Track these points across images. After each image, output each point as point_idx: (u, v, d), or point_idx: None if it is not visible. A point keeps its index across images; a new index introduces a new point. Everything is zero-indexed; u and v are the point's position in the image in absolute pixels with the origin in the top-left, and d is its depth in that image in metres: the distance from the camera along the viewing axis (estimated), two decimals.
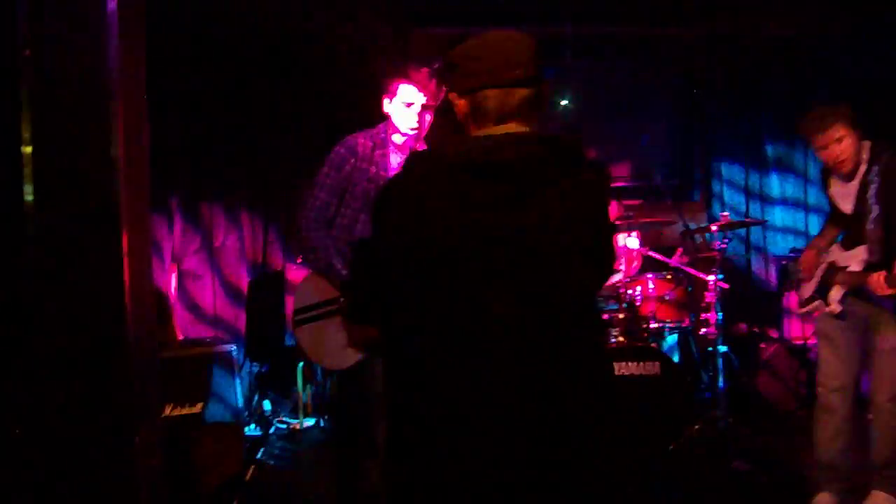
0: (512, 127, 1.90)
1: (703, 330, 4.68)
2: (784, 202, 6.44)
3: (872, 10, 5.74)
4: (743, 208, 6.41)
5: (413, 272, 1.82)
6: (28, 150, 2.12)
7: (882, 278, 3.47)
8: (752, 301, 6.25)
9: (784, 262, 6.07)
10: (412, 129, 3.27)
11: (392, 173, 3.28)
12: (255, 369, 5.81)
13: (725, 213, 5.03)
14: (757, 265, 6.38)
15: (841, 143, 3.51)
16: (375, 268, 1.92)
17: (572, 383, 1.80)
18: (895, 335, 3.59)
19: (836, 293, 3.65)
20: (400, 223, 1.83)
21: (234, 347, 4.99)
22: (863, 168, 3.56)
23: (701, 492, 4.10)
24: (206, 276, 5.87)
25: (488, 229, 1.78)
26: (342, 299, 3.20)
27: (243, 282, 5.89)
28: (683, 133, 6.49)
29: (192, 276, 5.85)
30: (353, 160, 3.26)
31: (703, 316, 4.68)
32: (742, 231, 6.37)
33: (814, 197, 6.37)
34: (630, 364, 4.42)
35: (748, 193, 6.42)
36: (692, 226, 5.28)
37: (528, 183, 1.80)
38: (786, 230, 6.37)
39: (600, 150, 6.30)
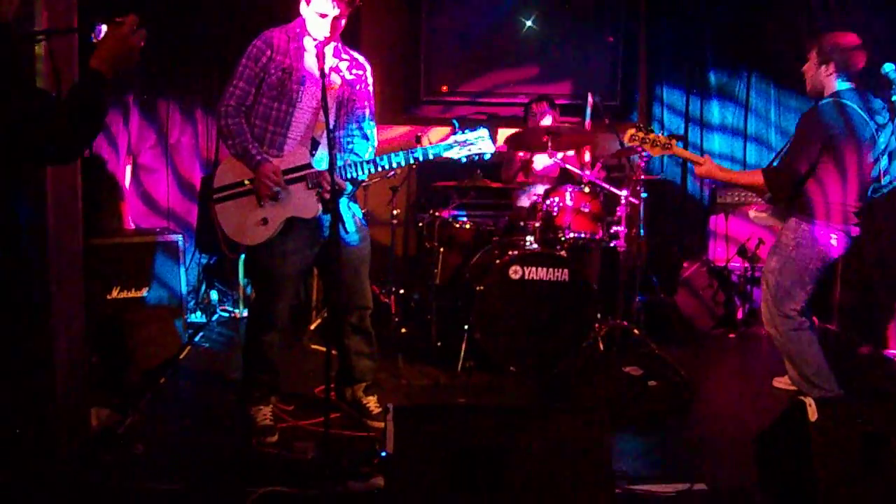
0: None
1: (613, 243, 4.90)
2: (723, 129, 6.55)
3: None
4: (682, 133, 6.52)
5: None
6: None
7: None
8: (682, 222, 6.47)
9: (714, 187, 6.30)
10: (324, 37, 3.49)
11: (303, 66, 3.51)
12: (205, 261, 6.10)
13: None
14: (692, 189, 6.56)
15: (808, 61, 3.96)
16: None
17: None
18: (771, 258, 3.92)
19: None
20: None
21: (180, 238, 5.20)
22: None
23: (583, 390, 4.35)
24: (161, 170, 6.15)
25: None
26: (254, 180, 3.47)
27: (196, 177, 6.14)
28: (626, 56, 6.55)
29: (148, 170, 6.12)
30: (269, 52, 3.50)
31: (614, 229, 4.89)
32: None
33: (753, 126, 6.51)
34: (540, 270, 4.72)
35: (688, 119, 6.53)
36: (626, 145, 5.44)
37: None
38: (723, 157, 6.46)
39: (542, 67, 6.45)
